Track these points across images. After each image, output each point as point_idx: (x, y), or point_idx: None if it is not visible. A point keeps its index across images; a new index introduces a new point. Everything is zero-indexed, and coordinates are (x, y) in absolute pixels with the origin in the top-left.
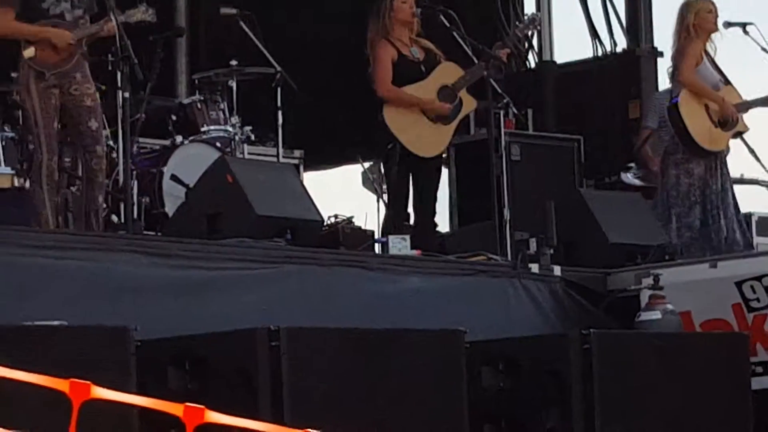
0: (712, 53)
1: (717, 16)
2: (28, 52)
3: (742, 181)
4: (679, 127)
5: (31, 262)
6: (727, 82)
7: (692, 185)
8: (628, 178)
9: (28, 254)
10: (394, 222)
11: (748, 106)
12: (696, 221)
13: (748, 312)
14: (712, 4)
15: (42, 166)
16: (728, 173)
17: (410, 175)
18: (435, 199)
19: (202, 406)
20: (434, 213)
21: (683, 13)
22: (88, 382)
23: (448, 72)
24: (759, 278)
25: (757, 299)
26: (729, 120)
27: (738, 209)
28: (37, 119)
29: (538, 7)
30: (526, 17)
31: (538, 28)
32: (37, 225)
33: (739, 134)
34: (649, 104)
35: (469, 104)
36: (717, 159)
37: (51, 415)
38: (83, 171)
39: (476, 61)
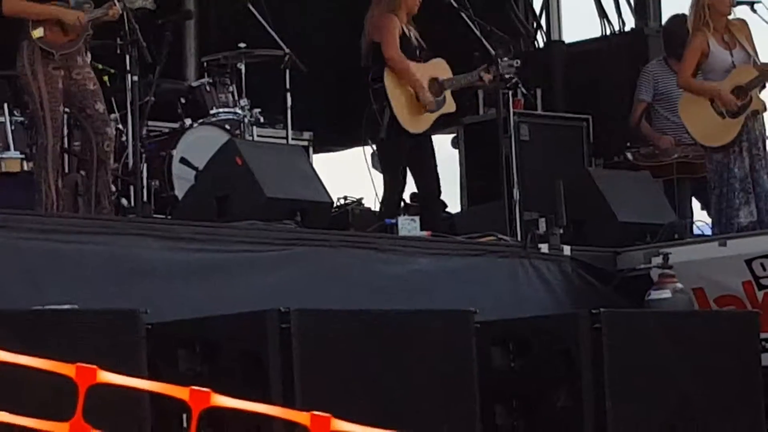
0: (733, 30)
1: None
2: (38, 32)
3: None
4: (687, 131)
5: (41, 246)
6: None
7: (712, 171)
8: (630, 156)
9: (37, 238)
10: (389, 201)
11: (759, 81)
12: (713, 206)
13: (758, 289)
14: None
15: (47, 150)
16: (762, 153)
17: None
18: (437, 178)
19: (208, 390)
20: (439, 191)
21: None
22: (94, 366)
23: (440, 67)
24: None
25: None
26: (732, 109)
27: None
28: (43, 102)
29: None
30: (508, 62)
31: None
32: (44, 209)
33: (755, 113)
34: (640, 77)
35: (450, 107)
36: (739, 144)
37: (58, 400)
38: (94, 154)
39: (485, 42)
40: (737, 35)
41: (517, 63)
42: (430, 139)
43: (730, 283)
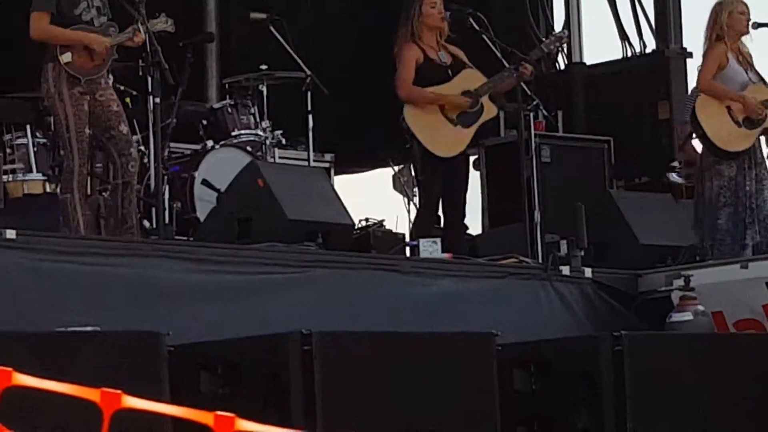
0: (744, 53)
1: (749, 18)
2: (65, 57)
3: None
4: (699, 132)
5: (64, 268)
6: (762, 80)
7: (722, 187)
8: (674, 177)
9: (60, 260)
10: (421, 224)
11: None
12: (725, 224)
13: None
14: (746, 5)
15: (74, 172)
16: (764, 174)
17: (441, 176)
18: (464, 201)
19: (232, 415)
20: (464, 215)
21: (716, 11)
22: (119, 391)
23: (471, 78)
24: None
25: None
26: (755, 118)
27: None
28: (69, 125)
29: (567, 9)
30: (552, 35)
31: (564, 45)
32: (69, 231)
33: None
34: (687, 99)
35: (490, 111)
36: (750, 159)
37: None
38: (118, 175)
39: (506, 64)
40: (750, 60)
41: (564, 32)
42: (466, 161)
43: (750, 306)
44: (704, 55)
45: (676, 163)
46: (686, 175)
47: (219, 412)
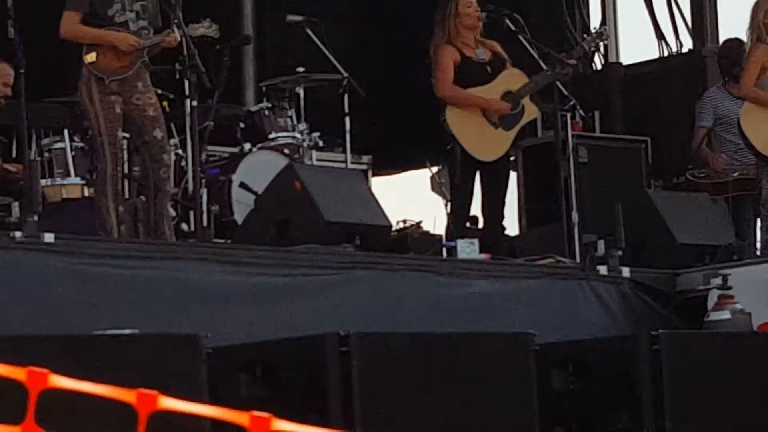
0: None
1: None
2: (90, 57)
3: None
4: (746, 141)
5: (102, 271)
6: None
7: None
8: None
9: (99, 264)
10: (455, 225)
11: None
12: None
13: None
14: None
15: (106, 175)
16: None
17: (477, 177)
18: (503, 203)
19: (268, 415)
20: (503, 216)
21: (754, 11)
22: (155, 392)
23: (512, 78)
24: None
25: None
26: None
27: None
28: (101, 127)
29: (604, 9)
30: (593, 31)
31: (606, 41)
32: (104, 234)
33: None
34: (700, 104)
35: (532, 113)
36: None
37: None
38: (151, 180)
39: (543, 65)
40: None
41: (605, 28)
42: (507, 163)
43: None
44: (746, 59)
45: (690, 166)
46: (701, 176)
47: (255, 412)
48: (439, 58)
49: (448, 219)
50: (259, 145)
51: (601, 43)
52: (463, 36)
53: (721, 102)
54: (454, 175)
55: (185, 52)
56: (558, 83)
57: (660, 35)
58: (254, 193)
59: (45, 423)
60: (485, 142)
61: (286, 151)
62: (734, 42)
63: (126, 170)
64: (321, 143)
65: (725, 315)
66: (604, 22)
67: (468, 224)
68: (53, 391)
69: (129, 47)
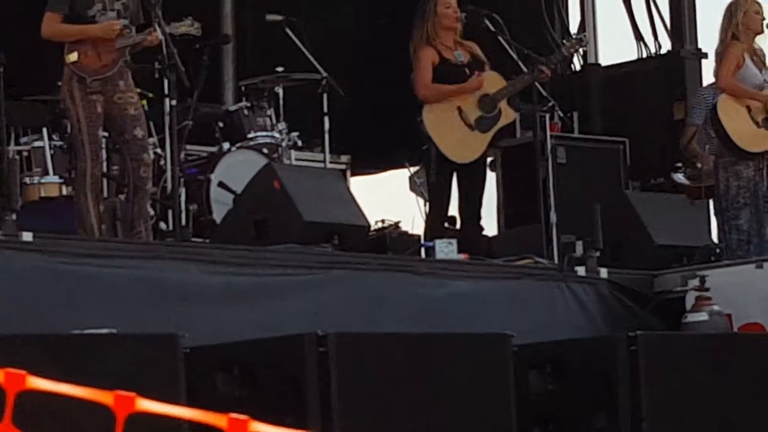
0: (759, 54)
1: (764, 18)
2: (72, 56)
3: None
4: (720, 131)
5: (80, 270)
6: None
7: (741, 187)
8: (679, 178)
9: (77, 263)
10: (432, 225)
11: None
12: (745, 224)
13: None
14: (760, 5)
15: (86, 174)
16: None
17: (454, 178)
18: (480, 203)
19: (246, 417)
20: (480, 216)
21: (732, 11)
22: (133, 393)
23: (490, 81)
24: None
25: None
26: None
27: None
28: (81, 126)
29: (583, 10)
30: (573, 37)
31: (585, 47)
32: (84, 233)
33: None
34: (693, 101)
35: (508, 116)
36: (764, 159)
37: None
38: (131, 179)
39: (522, 66)
40: (763, 60)
41: (584, 35)
42: (483, 162)
43: (757, 308)
44: (720, 54)
45: (680, 164)
46: (691, 175)
47: (233, 415)
48: (419, 59)
49: (427, 218)
50: (238, 145)
51: (581, 49)
52: (442, 37)
53: (713, 101)
54: (431, 176)
55: (165, 52)
56: (537, 84)
57: (639, 36)
58: (233, 192)
59: (22, 425)
60: (461, 144)
61: (265, 150)
62: None
63: (105, 169)
64: (300, 143)
65: (703, 316)
66: (583, 23)
67: (446, 225)
68: (31, 393)
69: (113, 33)
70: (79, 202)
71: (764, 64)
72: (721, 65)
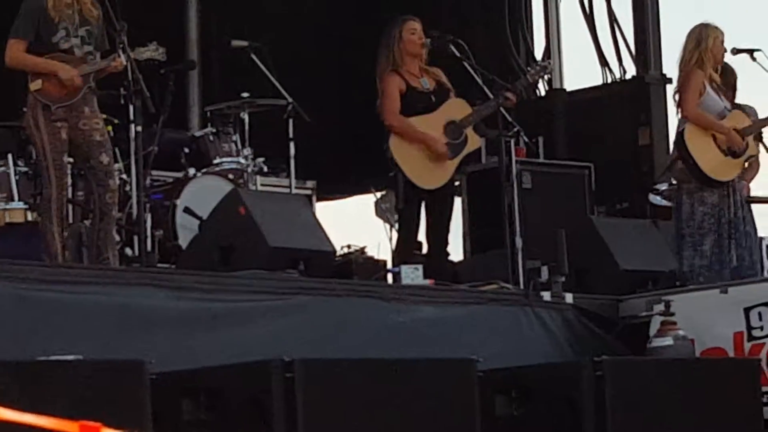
0: (716, 80)
1: (726, 50)
2: (35, 85)
3: None
4: (689, 161)
5: (46, 296)
6: (736, 106)
7: (706, 213)
8: (657, 199)
9: (42, 289)
10: (402, 252)
11: (757, 127)
12: (709, 250)
13: (747, 341)
14: (723, 34)
15: (51, 200)
16: (741, 201)
17: (421, 203)
18: (448, 229)
19: None
20: (447, 242)
21: (701, 35)
22: (98, 423)
23: (456, 107)
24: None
25: (761, 327)
26: (737, 148)
27: (756, 236)
28: (46, 153)
29: (548, 35)
30: (538, 64)
31: (550, 75)
32: (49, 259)
33: (751, 158)
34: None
35: (474, 143)
36: (730, 187)
37: None
38: (96, 205)
39: (487, 91)
40: (721, 86)
41: (549, 62)
42: (451, 189)
43: (721, 333)
44: (683, 81)
45: (660, 186)
46: (669, 195)
47: None
48: (385, 87)
49: (396, 245)
50: (204, 170)
51: (546, 76)
52: (408, 64)
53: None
54: (399, 203)
55: (130, 77)
56: (502, 109)
57: (603, 62)
58: (198, 218)
59: None
60: (428, 170)
61: (231, 176)
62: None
63: (71, 195)
64: (265, 168)
65: (668, 341)
66: (548, 48)
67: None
68: None
69: (70, 80)
70: (44, 228)
71: (723, 91)
72: (684, 94)
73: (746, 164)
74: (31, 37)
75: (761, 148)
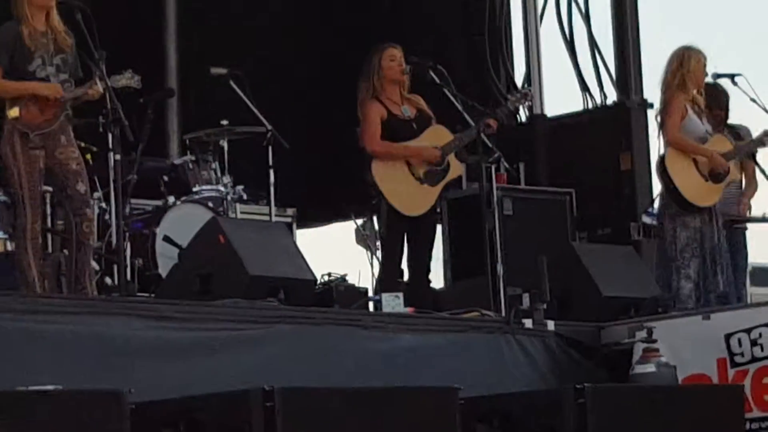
0: (698, 103)
1: (707, 74)
2: (13, 112)
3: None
4: (669, 186)
5: (24, 327)
6: (718, 130)
7: (690, 237)
8: (647, 220)
9: (20, 319)
10: (386, 280)
11: (738, 152)
12: (694, 274)
13: (731, 367)
14: (705, 57)
15: (26, 230)
16: (720, 227)
17: (404, 230)
18: (430, 256)
19: None
20: (429, 269)
21: (684, 57)
22: None
23: (437, 135)
24: (748, 331)
25: (742, 354)
26: (719, 172)
27: (744, 258)
28: (22, 182)
29: (528, 61)
30: (518, 91)
31: (530, 102)
32: (26, 289)
33: (731, 183)
34: None
35: (456, 170)
36: (712, 212)
37: None
38: (74, 234)
39: (468, 118)
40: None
41: (529, 89)
42: (434, 216)
43: (704, 360)
44: (665, 104)
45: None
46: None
47: None
48: (366, 114)
49: (380, 272)
50: (183, 198)
51: (526, 103)
52: (388, 91)
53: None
54: (381, 230)
55: (109, 106)
56: (483, 135)
57: (584, 87)
58: (178, 246)
59: None
60: (410, 197)
61: (210, 204)
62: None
63: (49, 224)
64: (245, 196)
65: (650, 368)
66: (528, 73)
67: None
68: None
69: (53, 95)
70: (19, 258)
71: (705, 114)
72: (666, 118)
73: (744, 184)
74: (6, 66)
75: (755, 166)
